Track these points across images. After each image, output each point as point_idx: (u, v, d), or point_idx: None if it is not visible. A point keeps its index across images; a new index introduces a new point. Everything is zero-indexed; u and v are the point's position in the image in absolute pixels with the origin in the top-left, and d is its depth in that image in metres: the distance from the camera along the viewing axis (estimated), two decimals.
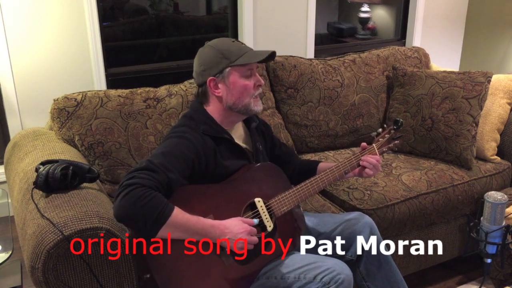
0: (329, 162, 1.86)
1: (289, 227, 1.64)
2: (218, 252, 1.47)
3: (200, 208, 1.47)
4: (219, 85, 1.60)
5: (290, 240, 1.64)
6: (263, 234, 1.56)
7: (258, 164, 1.67)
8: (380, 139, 1.80)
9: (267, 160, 1.76)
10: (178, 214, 1.37)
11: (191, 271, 1.41)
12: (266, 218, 1.57)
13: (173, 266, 1.40)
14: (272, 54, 1.65)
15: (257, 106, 1.64)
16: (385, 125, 1.85)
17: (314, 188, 1.67)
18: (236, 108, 1.61)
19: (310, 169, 1.84)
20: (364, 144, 1.77)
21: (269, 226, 1.57)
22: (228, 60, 1.57)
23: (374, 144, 1.78)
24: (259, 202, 1.58)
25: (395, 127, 1.81)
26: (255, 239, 1.48)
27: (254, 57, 1.59)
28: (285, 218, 1.63)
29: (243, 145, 1.69)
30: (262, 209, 1.57)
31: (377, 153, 1.76)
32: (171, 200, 1.41)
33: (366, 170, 1.71)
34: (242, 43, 1.64)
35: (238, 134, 1.71)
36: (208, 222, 1.44)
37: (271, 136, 1.88)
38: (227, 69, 1.58)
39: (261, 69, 2.41)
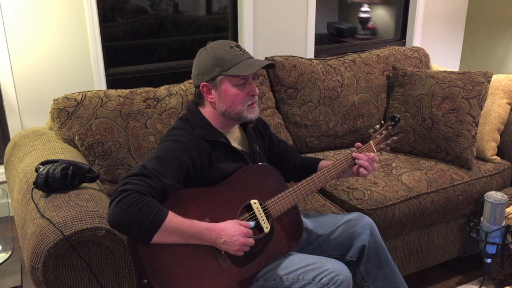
0: (330, 160, 1.84)
1: (287, 228, 1.63)
2: (215, 255, 1.46)
3: (196, 211, 1.46)
4: (212, 91, 1.57)
5: (288, 241, 1.63)
6: (260, 236, 1.55)
7: (254, 165, 1.66)
8: (377, 136, 1.78)
9: (264, 161, 1.75)
10: (173, 218, 1.36)
11: (189, 275, 1.41)
12: (263, 220, 1.56)
13: (170, 271, 1.39)
14: (270, 65, 1.63)
15: (251, 114, 1.60)
16: (382, 122, 1.83)
17: (311, 187, 1.66)
18: (228, 116, 1.59)
19: (311, 167, 1.82)
20: (358, 144, 1.76)
21: (266, 227, 1.56)
22: (220, 68, 1.54)
23: (371, 141, 1.77)
24: (255, 203, 1.56)
25: (392, 123, 1.80)
26: (251, 241, 1.47)
27: (247, 69, 1.54)
28: (282, 219, 1.62)
29: (240, 148, 1.68)
30: (259, 211, 1.56)
31: (374, 150, 1.75)
32: (167, 204, 1.40)
33: (361, 168, 1.69)
34: (241, 50, 1.58)
35: (235, 136, 1.69)
36: (204, 225, 1.42)
37: (269, 134, 1.86)
38: (219, 77, 1.55)
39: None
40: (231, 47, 1.57)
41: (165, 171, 1.41)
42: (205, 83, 1.57)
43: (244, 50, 1.59)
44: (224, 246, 1.44)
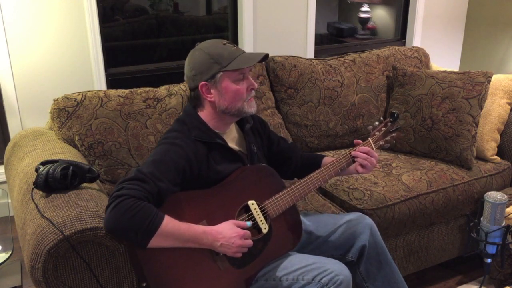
0: (331, 157, 1.83)
1: (286, 228, 1.63)
2: (213, 257, 1.46)
3: (193, 214, 1.46)
4: (212, 90, 1.56)
5: (287, 241, 1.63)
6: (258, 237, 1.55)
7: (251, 166, 1.65)
8: (376, 133, 1.77)
9: (263, 161, 1.74)
10: (169, 222, 1.36)
11: (187, 278, 1.41)
12: (261, 221, 1.55)
13: (169, 274, 1.39)
14: (265, 56, 1.62)
15: (251, 108, 1.61)
16: (381, 118, 1.81)
17: (309, 187, 1.65)
18: (229, 112, 1.58)
19: (315, 164, 1.80)
20: (357, 140, 1.75)
21: (264, 228, 1.55)
22: (219, 65, 1.53)
23: (370, 138, 1.75)
24: (252, 204, 1.56)
25: (391, 119, 1.78)
26: (249, 242, 1.47)
27: (246, 62, 1.54)
28: (281, 219, 1.62)
29: (237, 148, 1.67)
30: (256, 212, 1.55)
31: (373, 148, 1.74)
32: (163, 207, 1.39)
33: (360, 165, 1.68)
34: (234, 46, 1.58)
35: (232, 137, 1.68)
36: (200, 228, 1.42)
37: (268, 133, 1.84)
38: (219, 74, 1.54)
39: (260, 69, 2.41)
40: (224, 44, 1.57)
41: (161, 175, 1.41)
42: (204, 82, 1.56)
43: (236, 46, 1.59)
44: (222, 249, 1.43)
